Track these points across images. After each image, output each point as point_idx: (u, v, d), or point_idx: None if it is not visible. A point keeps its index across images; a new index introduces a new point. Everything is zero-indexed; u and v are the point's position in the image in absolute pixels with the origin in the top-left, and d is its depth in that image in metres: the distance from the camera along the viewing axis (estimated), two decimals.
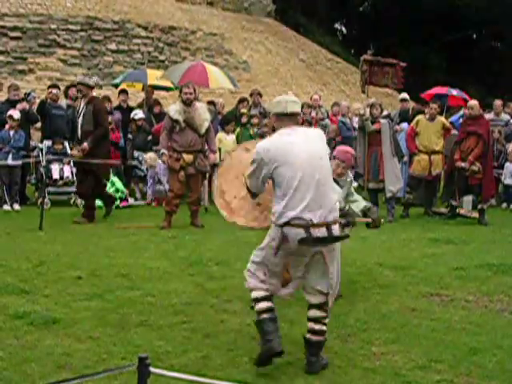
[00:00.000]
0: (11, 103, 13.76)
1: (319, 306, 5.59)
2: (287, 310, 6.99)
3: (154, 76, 17.03)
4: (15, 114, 13.30)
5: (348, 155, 7.54)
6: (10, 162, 13.13)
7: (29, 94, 14.56)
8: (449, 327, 6.57)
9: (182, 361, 5.55)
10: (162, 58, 24.86)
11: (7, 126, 13.27)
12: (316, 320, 5.61)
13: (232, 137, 15.06)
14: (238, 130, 15.24)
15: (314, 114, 16.13)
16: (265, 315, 5.53)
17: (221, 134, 15.01)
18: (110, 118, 14.67)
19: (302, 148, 5.37)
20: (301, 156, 5.33)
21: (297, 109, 5.69)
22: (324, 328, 5.62)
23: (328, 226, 5.34)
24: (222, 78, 15.56)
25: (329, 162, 5.64)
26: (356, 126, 15.83)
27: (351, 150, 7.78)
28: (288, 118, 5.60)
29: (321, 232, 5.32)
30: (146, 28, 25.21)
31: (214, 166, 11.93)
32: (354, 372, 5.46)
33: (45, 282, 7.72)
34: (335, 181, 6.64)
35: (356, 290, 7.81)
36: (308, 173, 5.31)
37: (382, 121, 12.96)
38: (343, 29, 45.31)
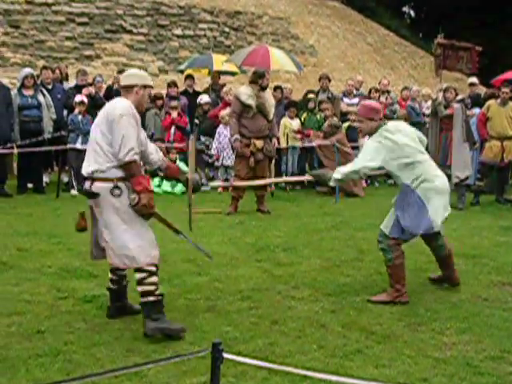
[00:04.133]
0: (79, 88, 13.89)
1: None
2: (355, 297, 6.91)
3: (219, 61, 17.02)
4: (83, 98, 13.43)
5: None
6: (79, 145, 13.25)
7: (95, 78, 14.72)
8: None
9: (249, 347, 5.50)
10: (227, 42, 24.87)
11: (76, 111, 13.40)
12: (139, 282, 5.77)
13: (297, 121, 14.95)
14: (304, 115, 15.11)
15: (383, 99, 15.90)
16: None
17: (285, 119, 14.91)
18: (176, 103, 14.75)
19: (95, 122, 5.97)
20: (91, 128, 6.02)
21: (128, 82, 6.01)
22: (146, 288, 5.73)
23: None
24: (285, 61, 15.38)
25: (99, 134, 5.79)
26: (425, 111, 15.58)
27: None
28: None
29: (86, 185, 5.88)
30: (211, 13, 25.23)
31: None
32: (425, 362, 5.35)
33: None
34: None
35: (426, 278, 7.65)
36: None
37: (455, 105, 12.64)
38: (411, 12, 44.70)
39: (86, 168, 5.83)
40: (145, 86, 6.01)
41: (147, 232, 5.87)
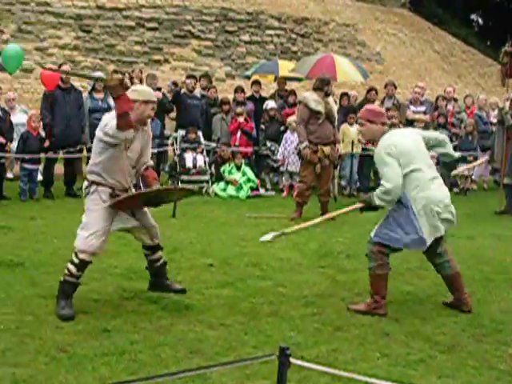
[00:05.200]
0: None
1: None
2: (419, 306, 6.87)
3: (285, 67, 17.07)
4: None
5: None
6: None
7: (174, 83, 14.94)
8: None
9: (312, 353, 5.51)
10: (294, 49, 24.92)
11: None
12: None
13: (356, 128, 14.87)
14: None
15: (450, 107, 15.74)
16: None
17: (344, 125, 14.88)
18: (242, 109, 14.83)
19: None
20: None
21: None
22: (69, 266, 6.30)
23: None
24: (351, 70, 15.37)
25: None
26: (493, 120, 15.38)
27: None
28: None
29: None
30: (279, 19, 25.32)
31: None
32: (489, 373, 5.28)
33: (178, 269, 7.86)
34: None
35: (491, 289, 7.56)
36: None
37: None
38: (479, 19, 44.09)
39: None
40: (146, 102, 6.33)
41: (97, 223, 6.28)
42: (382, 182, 6.63)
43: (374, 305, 6.56)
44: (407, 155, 6.51)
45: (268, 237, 6.80)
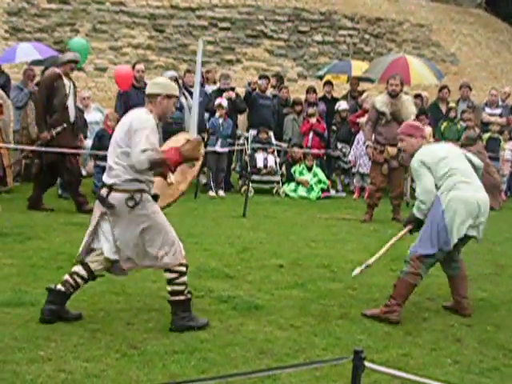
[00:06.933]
0: (221, 92, 14.14)
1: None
2: (492, 313, 6.75)
3: (358, 67, 16.94)
4: (223, 102, 13.67)
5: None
6: (218, 148, 13.51)
7: (249, 84, 15.01)
8: None
9: (382, 356, 5.45)
10: (367, 49, 24.75)
11: (217, 114, 13.66)
12: (167, 282, 5.85)
13: (427, 129, 14.64)
14: (444, 124, 14.80)
15: None
16: None
17: None
18: (314, 109, 14.78)
19: (116, 128, 5.93)
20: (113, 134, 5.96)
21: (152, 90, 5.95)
22: (173, 288, 5.82)
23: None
24: (425, 73, 15.12)
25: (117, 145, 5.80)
26: None
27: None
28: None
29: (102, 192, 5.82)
30: (352, 19, 25.17)
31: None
32: None
33: (248, 269, 7.87)
34: None
35: None
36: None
37: None
38: None
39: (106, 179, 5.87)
40: (169, 96, 5.94)
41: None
42: (416, 193, 6.68)
43: (386, 308, 6.42)
44: (441, 161, 6.53)
45: (356, 272, 6.80)
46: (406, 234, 6.94)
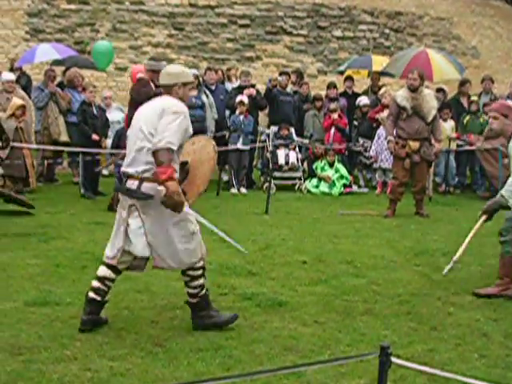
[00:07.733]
0: (242, 89, 14.13)
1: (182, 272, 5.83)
2: None
3: (379, 62, 16.86)
4: (244, 99, 13.66)
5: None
6: (239, 145, 13.52)
7: (270, 80, 15.02)
8: None
9: (407, 352, 5.41)
10: (387, 43, 24.60)
11: (238, 111, 13.65)
12: (185, 284, 5.85)
13: (450, 124, 14.53)
14: (467, 117, 14.68)
15: None
16: None
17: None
18: (335, 105, 14.73)
19: (137, 117, 5.77)
20: (132, 124, 5.80)
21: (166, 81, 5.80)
22: (188, 290, 5.83)
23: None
24: (447, 68, 15.00)
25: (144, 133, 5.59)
26: None
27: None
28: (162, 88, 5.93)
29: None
30: (372, 14, 25.02)
31: (435, 154, 11.65)
32: None
33: (271, 265, 7.87)
34: None
35: None
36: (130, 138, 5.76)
37: None
38: None
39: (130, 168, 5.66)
40: (185, 84, 5.75)
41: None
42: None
43: (502, 287, 6.68)
44: None
45: (446, 271, 6.92)
46: (482, 223, 6.99)
